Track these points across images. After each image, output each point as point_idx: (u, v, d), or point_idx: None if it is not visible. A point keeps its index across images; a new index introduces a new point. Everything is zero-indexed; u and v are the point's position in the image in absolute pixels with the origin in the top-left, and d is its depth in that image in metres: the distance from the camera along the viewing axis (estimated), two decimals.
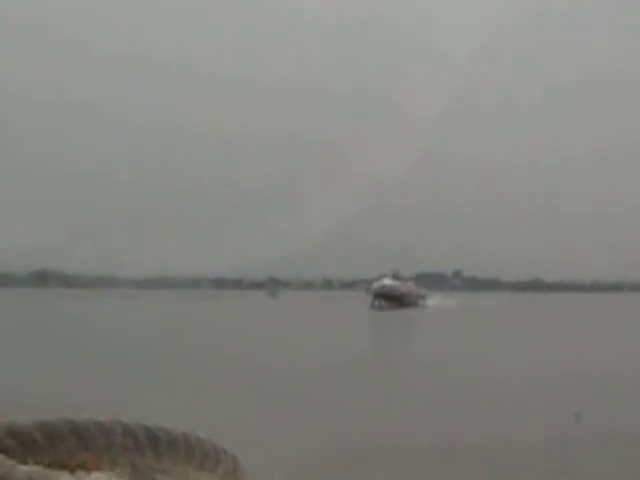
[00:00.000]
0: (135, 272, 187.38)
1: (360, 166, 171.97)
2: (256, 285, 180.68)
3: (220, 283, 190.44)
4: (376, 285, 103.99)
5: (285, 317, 76.45)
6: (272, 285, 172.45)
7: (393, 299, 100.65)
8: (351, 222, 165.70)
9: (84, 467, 1.20)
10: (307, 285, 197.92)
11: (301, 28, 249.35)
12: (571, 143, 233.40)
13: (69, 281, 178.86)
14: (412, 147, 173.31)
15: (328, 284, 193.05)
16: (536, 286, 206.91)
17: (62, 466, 1.17)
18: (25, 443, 1.11)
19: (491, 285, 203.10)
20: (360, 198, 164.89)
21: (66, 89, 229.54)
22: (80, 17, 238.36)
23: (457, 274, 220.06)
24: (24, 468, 1.05)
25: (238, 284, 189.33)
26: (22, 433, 1.11)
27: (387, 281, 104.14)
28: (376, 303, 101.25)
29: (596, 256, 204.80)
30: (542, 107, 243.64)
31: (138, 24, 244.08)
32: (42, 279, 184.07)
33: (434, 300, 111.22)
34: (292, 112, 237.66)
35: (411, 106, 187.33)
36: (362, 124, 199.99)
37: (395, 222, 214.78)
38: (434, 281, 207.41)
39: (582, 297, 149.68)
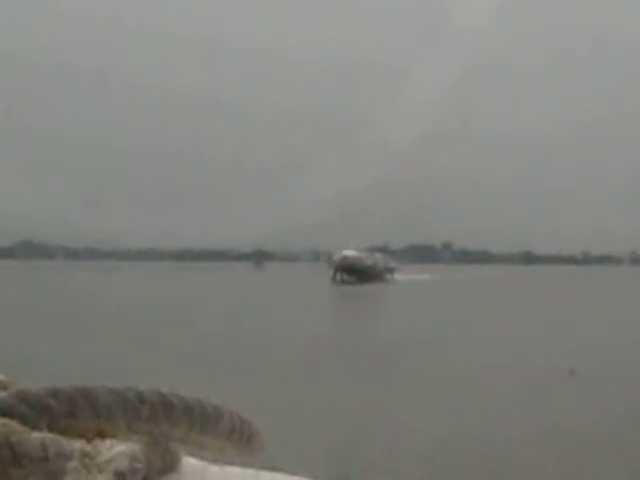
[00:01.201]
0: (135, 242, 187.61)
1: (365, 140, 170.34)
2: (243, 257, 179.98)
3: (207, 255, 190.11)
4: (337, 257, 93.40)
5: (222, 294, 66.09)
6: (257, 257, 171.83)
7: (356, 272, 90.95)
8: (353, 195, 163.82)
9: (100, 435, 1.20)
10: (294, 257, 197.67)
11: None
12: (569, 114, 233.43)
13: (53, 252, 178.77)
14: (417, 122, 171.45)
15: (316, 256, 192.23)
16: (526, 259, 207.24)
17: (77, 434, 1.17)
18: (39, 410, 1.09)
19: (481, 257, 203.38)
20: (364, 171, 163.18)
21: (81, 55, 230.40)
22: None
23: (447, 246, 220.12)
24: (37, 435, 1.05)
25: (225, 255, 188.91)
26: (36, 400, 1.10)
27: (349, 252, 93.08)
28: (338, 276, 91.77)
29: (586, 229, 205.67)
30: (547, 78, 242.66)
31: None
32: (29, 250, 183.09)
33: (404, 274, 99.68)
34: (301, 85, 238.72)
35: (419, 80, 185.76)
36: (374, 96, 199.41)
37: (394, 196, 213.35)
38: (424, 253, 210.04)
39: (571, 269, 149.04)
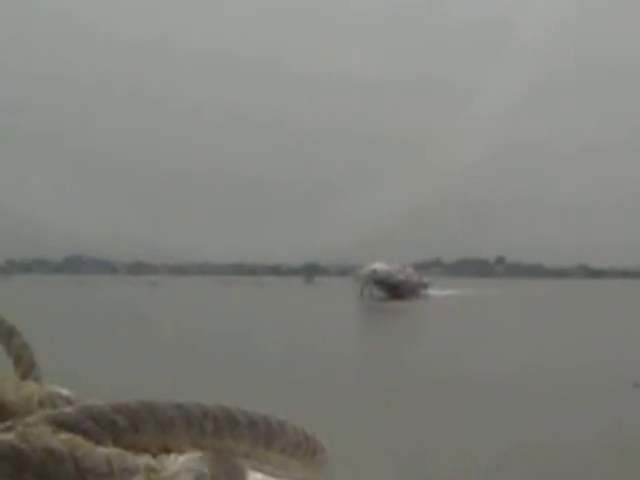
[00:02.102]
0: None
1: (424, 158, 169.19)
2: (295, 271, 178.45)
3: (259, 269, 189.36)
4: (365, 271, 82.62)
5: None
6: (308, 272, 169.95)
7: (387, 287, 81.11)
8: (405, 211, 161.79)
9: (164, 450, 1.21)
10: (347, 272, 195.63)
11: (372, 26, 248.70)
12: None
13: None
14: (476, 140, 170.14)
15: None
16: (582, 272, 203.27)
17: (142, 449, 1.19)
18: (104, 425, 1.11)
19: (535, 271, 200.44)
20: (420, 189, 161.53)
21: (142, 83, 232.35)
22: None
23: (500, 260, 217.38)
24: (103, 450, 1.07)
25: (277, 270, 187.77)
26: (101, 415, 1.11)
27: (379, 265, 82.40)
28: (366, 292, 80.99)
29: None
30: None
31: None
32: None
33: (439, 289, 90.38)
34: (364, 105, 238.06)
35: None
36: (437, 114, 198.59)
37: (446, 211, 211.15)
38: (476, 267, 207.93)
39: (629, 283, 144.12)
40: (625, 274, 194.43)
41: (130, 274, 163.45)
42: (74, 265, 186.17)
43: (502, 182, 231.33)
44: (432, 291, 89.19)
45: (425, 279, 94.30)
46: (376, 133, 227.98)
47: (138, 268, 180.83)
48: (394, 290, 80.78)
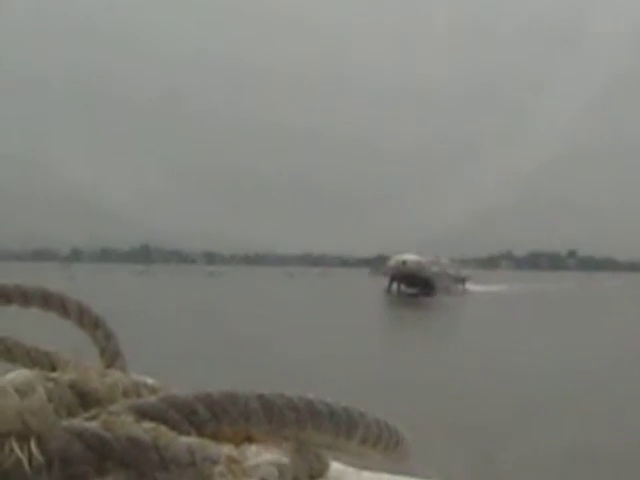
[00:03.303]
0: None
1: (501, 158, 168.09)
2: (362, 262, 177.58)
3: (327, 260, 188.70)
4: (393, 262, 71.39)
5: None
6: (376, 263, 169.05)
7: (418, 282, 69.28)
8: (481, 206, 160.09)
9: (247, 440, 1.22)
10: None
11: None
12: None
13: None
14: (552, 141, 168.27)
15: None
16: None
17: (224, 439, 1.22)
18: (187, 415, 1.17)
19: (607, 265, 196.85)
20: (498, 191, 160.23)
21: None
22: None
23: (572, 254, 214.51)
24: (185, 439, 1.11)
25: (346, 261, 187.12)
26: (184, 405, 1.17)
27: (409, 256, 71.22)
28: (394, 287, 70.56)
29: None
30: None
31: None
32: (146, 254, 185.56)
33: (480, 284, 78.99)
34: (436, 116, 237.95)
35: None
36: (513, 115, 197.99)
37: (521, 205, 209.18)
38: (548, 261, 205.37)
39: None
40: None
41: (200, 263, 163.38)
42: (144, 254, 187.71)
43: (574, 181, 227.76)
44: (471, 286, 78.74)
45: (464, 272, 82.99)
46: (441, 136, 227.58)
47: (208, 258, 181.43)
48: (426, 285, 69.37)
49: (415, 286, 69.71)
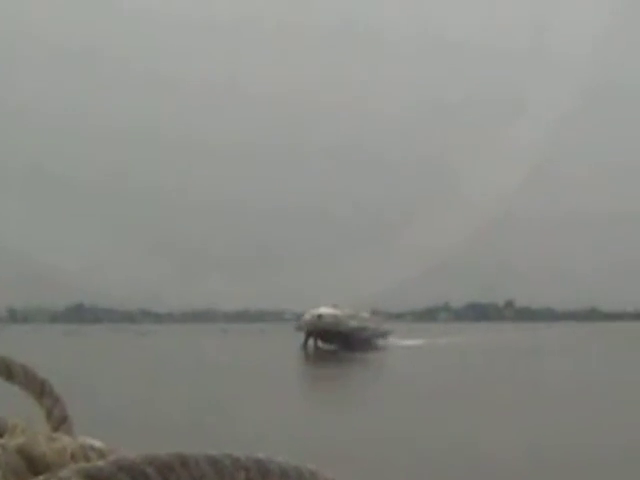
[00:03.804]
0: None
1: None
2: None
3: (263, 316, 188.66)
4: (309, 317, 67.51)
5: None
6: None
7: (336, 337, 65.44)
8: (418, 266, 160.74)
9: None
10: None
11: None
12: None
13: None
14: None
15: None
16: (593, 316, 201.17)
17: None
18: (136, 478, 1.15)
19: (545, 315, 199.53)
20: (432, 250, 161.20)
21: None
22: None
23: (509, 304, 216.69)
24: None
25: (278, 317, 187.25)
26: (133, 467, 1.14)
27: (326, 310, 66.73)
28: (310, 342, 66.85)
29: None
30: None
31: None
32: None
33: (403, 338, 76.07)
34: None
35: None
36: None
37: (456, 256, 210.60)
38: (485, 312, 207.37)
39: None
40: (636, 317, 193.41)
41: (137, 322, 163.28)
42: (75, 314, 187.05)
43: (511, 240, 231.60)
44: (394, 340, 75.37)
45: (385, 326, 79.92)
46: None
47: (141, 316, 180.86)
48: (344, 340, 65.53)
49: (332, 342, 66.37)
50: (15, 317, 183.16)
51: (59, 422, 1.72)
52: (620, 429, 25.48)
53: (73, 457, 1.26)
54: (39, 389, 1.79)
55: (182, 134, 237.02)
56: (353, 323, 69.34)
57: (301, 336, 70.55)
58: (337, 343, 65.88)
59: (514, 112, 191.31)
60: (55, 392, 1.79)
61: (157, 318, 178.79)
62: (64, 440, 1.31)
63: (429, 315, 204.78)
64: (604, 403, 32.04)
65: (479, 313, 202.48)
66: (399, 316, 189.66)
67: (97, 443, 1.34)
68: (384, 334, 76.76)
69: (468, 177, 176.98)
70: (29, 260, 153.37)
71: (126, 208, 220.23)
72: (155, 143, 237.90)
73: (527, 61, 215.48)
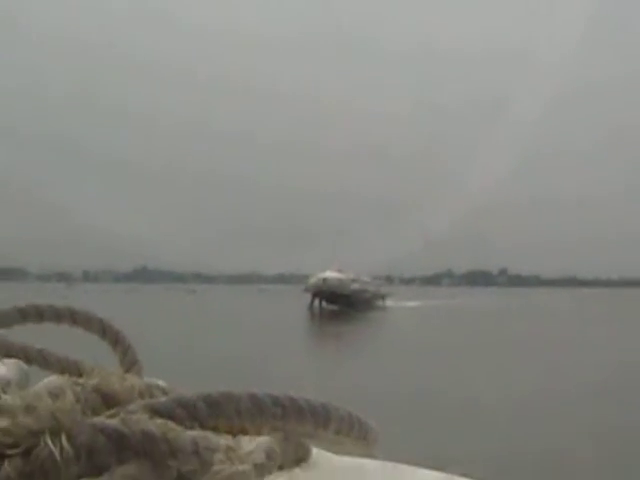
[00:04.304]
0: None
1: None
2: None
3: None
4: (314, 280, 64.87)
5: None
6: None
7: (339, 298, 63.02)
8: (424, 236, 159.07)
9: (242, 432, 1.27)
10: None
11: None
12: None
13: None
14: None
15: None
16: (572, 282, 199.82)
17: (223, 431, 1.25)
18: (191, 412, 1.18)
19: (533, 282, 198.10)
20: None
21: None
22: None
23: (502, 272, 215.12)
24: (190, 433, 1.13)
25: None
26: (189, 404, 1.18)
27: (330, 274, 64.48)
28: (316, 303, 64.15)
29: (622, 256, 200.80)
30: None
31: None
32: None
33: (400, 300, 72.65)
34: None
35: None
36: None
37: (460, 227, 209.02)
38: (483, 278, 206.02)
39: (608, 292, 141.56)
40: (607, 284, 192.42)
41: (183, 283, 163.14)
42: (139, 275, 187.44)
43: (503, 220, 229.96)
44: (391, 302, 72.51)
45: (384, 289, 76.96)
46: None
47: (192, 278, 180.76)
48: (346, 301, 62.99)
49: (335, 303, 63.36)
50: (88, 278, 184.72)
51: (130, 365, 1.79)
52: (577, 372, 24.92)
53: (140, 394, 1.28)
54: (114, 338, 1.86)
55: (236, 130, 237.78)
56: (355, 286, 66.03)
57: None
58: (340, 304, 62.55)
59: (499, 111, 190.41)
60: (127, 340, 1.87)
61: (206, 279, 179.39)
62: (133, 380, 1.32)
63: (435, 280, 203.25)
64: (569, 352, 31.71)
65: (477, 279, 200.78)
66: (409, 281, 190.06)
67: (161, 383, 1.37)
68: (383, 296, 73.48)
69: (465, 167, 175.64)
70: (105, 232, 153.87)
71: (186, 191, 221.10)
72: (212, 137, 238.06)
73: (509, 65, 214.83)
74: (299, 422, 1.28)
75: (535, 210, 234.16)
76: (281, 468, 1.30)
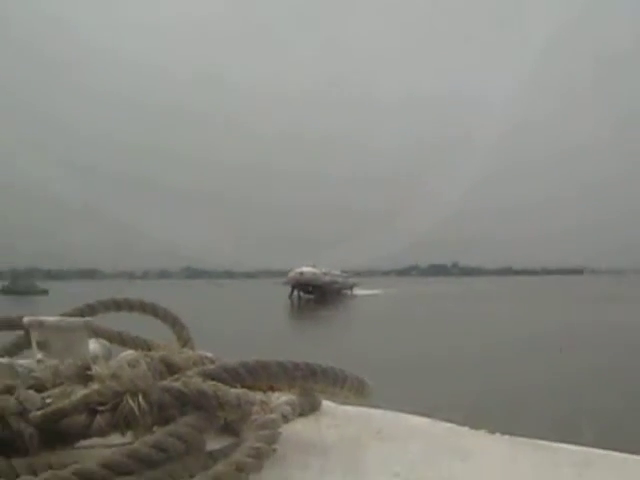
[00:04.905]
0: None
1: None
2: None
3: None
4: (293, 274, 62.70)
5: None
6: None
7: (314, 289, 61.02)
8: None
9: (271, 389, 1.38)
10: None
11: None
12: None
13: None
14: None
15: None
16: (508, 272, 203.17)
17: (257, 389, 1.34)
18: (233, 375, 1.25)
19: (477, 272, 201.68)
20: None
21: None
22: None
23: (455, 265, 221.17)
24: (234, 390, 1.20)
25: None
26: (232, 369, 1.25)
27: (306, 269, 62.02)
28: (295, 293, 61.84)
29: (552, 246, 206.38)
30: None
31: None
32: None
33: (364, 289, 70.16)
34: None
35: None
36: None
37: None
38: (440, 270, 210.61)
39: (530, 280, 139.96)
40: (532, 273, 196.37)
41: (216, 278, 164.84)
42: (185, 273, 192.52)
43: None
44: (358, 291, 70.18)
45: (351, 280, 73.93)
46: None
47: (225, 275, 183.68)
48: (319, 291, 60.70)
49: (311, 293, 61.11)
50: (147, 276, 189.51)
51: (185, 341, 1.85)
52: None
53: (195, 363, 1.34)
54: (173, 321, 1.91)
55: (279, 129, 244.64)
56: (326, 278, 63.52)
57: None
58: (314, 293, 60.72)
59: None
60: (183, 323, 1.91)
61: (230, 275, 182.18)
62: (189, 353, 1.41)
63: (405, 272, 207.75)
64: (487, 322, 31.73)
65: (437, 271, 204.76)
66: (386, 273, 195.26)
67: (209, 354, 1.45)
68: (351, 286, 71.33)
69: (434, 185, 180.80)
70: (161, 240, 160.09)
71: (223, 213, 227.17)
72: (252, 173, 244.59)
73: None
74: (313, 381, 1.35)
75: (482, 216, 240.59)
76: (299, 416, 1.42)
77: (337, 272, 68.82)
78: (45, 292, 66.13)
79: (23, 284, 70.33)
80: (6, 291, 65.77)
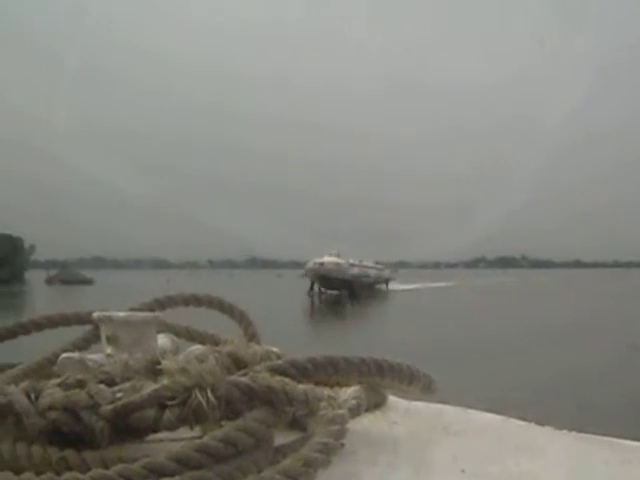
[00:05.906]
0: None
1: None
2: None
3: None
4: (312, 265, 50.00)
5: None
6: None
7: (337, 283, 47.77)
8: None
9: (338, 385, 1.36)
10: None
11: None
12: None
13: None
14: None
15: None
16: (578, 265, 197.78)
17: (325, 384, 1.33)
18: (301, 371, 1.24)
19: (547, 264, 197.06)
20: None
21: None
22: None
23: (524, 257, 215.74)
24: (302, 386, 1.19)
25: None
26: (299, 365, 1.24)
27: (328, 258, 49.93)
28: (315, 289, 50.20)
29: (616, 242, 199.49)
30: None
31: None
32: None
33: (402, 284, 59.60)
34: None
35: None
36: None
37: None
38: (509, 262, 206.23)
39: (603, 272, 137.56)
40: (602, 265, 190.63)
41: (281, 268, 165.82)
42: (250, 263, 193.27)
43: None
44: (394, 286, 59.62)
45: (387, 273, 62.08)
46: None
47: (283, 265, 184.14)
48: (346, 286, 47.59)
49: (334, 288, 48.63)
50: (213, 265, 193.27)
51: (252, 337, 1.83)
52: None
53: (262, 358, 1.32)
54: (239, 316, 1.88)
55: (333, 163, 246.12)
56: (354, 270, 51.80)
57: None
58: (339, 288, 47.86)
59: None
60: (249, 318, 1.88)
61: (287, 265, 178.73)
62: (256, 347, 1.39)
63: (473, 264, 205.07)
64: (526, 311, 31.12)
65: (504, 263, 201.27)
66: (454, 265, 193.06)
67: (276, 349, 1.43)
68: (386, 280, 60.28)
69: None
70: (227, 233, 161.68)
71: (283, 207, 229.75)
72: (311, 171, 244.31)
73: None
74: (379, 376, 1.32)
75: (553, 209, 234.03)
76: (366, 411, 1.37)
77: (369, 263, 57.39)
78: (90, 282, 67.60)
79: (69, 273, 71.61)
80: (52, 281, 66.68)
